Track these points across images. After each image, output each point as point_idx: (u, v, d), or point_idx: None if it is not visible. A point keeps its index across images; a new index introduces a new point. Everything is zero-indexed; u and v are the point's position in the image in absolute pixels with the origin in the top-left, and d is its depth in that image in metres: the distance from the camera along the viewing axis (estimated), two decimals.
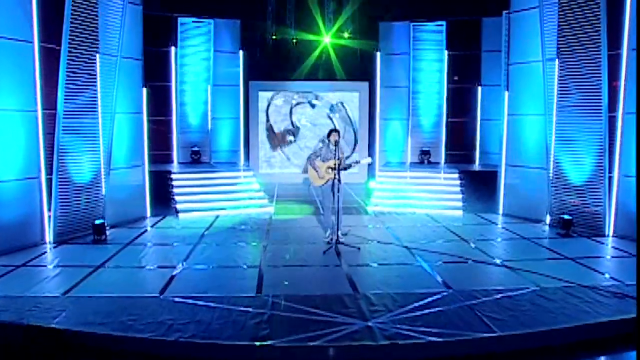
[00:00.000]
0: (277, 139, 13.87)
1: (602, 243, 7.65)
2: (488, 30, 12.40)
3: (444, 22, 12.43)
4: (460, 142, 13.07)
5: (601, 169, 7.99)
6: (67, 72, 7.38)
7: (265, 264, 6.45)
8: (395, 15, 12.68)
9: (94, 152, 7.92)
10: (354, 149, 13.88)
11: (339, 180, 7.12)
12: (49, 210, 7.28)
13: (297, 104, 13.84)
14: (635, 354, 3.89)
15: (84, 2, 7.49)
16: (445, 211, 9.81)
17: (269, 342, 4.10)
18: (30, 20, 6.89)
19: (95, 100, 7.84)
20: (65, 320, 4.52)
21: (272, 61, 13.70)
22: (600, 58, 7.84)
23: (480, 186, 10.54)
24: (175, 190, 10.06)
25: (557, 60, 8.38)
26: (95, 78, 7.80)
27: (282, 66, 13.71)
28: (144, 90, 9.09)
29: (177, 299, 5.09)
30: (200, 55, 12.23)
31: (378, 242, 7.59)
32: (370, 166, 12.92)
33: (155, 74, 11.17)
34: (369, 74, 13.15)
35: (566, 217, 8.12)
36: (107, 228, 7.81)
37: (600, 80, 7.86)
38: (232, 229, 8.45)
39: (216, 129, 12.60)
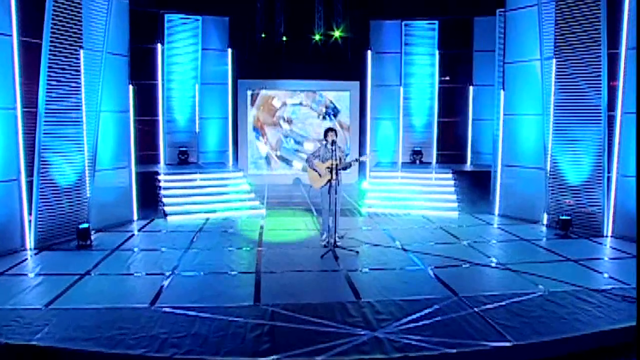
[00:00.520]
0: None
1: (601, 244, 7.57)
2: (480, 30, 12.34)
3: (436, 21, 12.29)
4: (451, 142, 12.99)
5: (600, 169, 7.90)
6: (48, 67, 6.99)
7: (261, 269, 6.16)
8: (386, 13, 12.50)
9: (78, 152, 7.54)
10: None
11: (338, 182, 6.88)
12: (30, 214, 6.90)
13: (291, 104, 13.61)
14: None
15: None
16: (441, 212, 9.66)
17: (272, 357, 3.82)
18: (8, 12, 6.48)
19: (79, 98, 7.46)
20: (48, 335, 4.16)
21: (261, 59, 13.41)
22: (599, 57, 7.75)
23: (474, 186, 10.45)
24: (163, 192, 9.71)
25: (554, 59, 8.27)
26: (79, 74, 7.43)
27: (271, 65, 13.43)
28: (130, 87, 8.70)
29: (169, 310, 4.77)
30: (188, 52, 11.85)
31: (376, 245, 7.37)
32: (362, 166, 12.74)
33: (141, 71, 10.78)
34: (360, 73, 12.95)
35: (565, 217, 8.02)
36: (92, 233, 7.44)
37: (599, 79, 7.77)
38: (224, 233, 8.13)
39: (204, 129, 12.25)
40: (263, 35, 13.42)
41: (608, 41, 7.69)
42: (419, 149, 12.47)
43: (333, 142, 6.98)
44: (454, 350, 3.92)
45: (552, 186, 8.51)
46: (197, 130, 12.04)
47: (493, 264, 6.44)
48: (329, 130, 7.15)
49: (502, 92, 9.52)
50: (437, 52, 12.34)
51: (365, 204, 10.11)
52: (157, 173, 10.16)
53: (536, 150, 8.83)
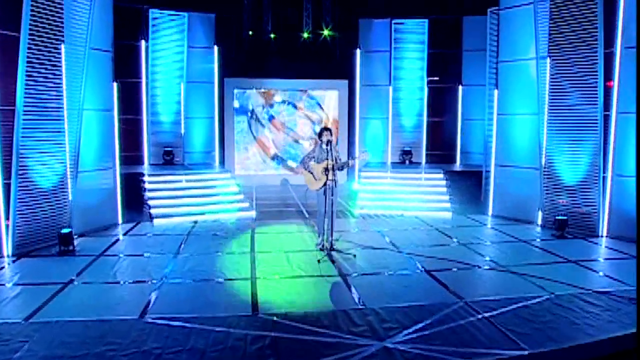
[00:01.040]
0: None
1: (598, 244, 7.51)
2: (469, 29, 12.28)
3: (425, 20, 12.17)
4: (440, 142, 12.92)
5: (595, 169, 7.85)
6: (27, 63, 6.57)
7: (257, 275, 5.88)
8: (376, 12, 12.33)
9: (59, 153, 7.14)
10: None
11: (335, 183, 6.65)
12: (7, 218, 6.49)
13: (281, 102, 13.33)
14: None
15: None
16: (434, 213, 9.51)
17: None
18: None
19: (60, 96, 7.06)
20: (29, 354, 3.80)
21: (248, 57, 13.09)
22: (595, 55, 7.68)
23: (465, 187, 10.36)
24: (148, 194, 9.33)
25: (549, 58, 8.19)
26: (60, 70, 7.02)
27: (258, 63, 13.12)
28: (115, 85, 8.31)
29: (161, 322, 4.46)
30: (173, 50, 11.49)
31: (372, 247, 7.16)
32: (351, 167, 12.53)
33: (124, 69, 10.38)
34: (349, 72, 12.76)
35: (561, 217, 7.94)
36: (75, 237, 7.05)
37: (595, 78, 7.71)
38: (214, 236, 7.82)
39: (190, 129, 11.89)
40: (250, 33, 13.09)
41: (604, 40, 7.64)
42: (408, 149, 12.35)
43: (329, 142, 6.75)
44: None
45: (547, 186, 8.44)
46: (182, 130, 11.68)
47: (493, 266, 6.29)
48: (324, 129, 6.91)
49: (495, 91, 9.43)
50: (426, 51, 12.22)
51: (358, 205, 9.90)
52: (142, 174, 9.77)
53: (530, 149, 8.75)
